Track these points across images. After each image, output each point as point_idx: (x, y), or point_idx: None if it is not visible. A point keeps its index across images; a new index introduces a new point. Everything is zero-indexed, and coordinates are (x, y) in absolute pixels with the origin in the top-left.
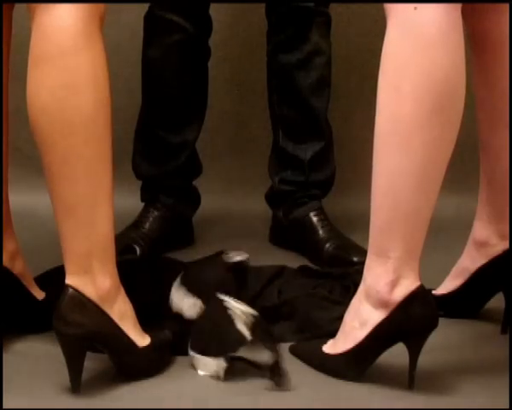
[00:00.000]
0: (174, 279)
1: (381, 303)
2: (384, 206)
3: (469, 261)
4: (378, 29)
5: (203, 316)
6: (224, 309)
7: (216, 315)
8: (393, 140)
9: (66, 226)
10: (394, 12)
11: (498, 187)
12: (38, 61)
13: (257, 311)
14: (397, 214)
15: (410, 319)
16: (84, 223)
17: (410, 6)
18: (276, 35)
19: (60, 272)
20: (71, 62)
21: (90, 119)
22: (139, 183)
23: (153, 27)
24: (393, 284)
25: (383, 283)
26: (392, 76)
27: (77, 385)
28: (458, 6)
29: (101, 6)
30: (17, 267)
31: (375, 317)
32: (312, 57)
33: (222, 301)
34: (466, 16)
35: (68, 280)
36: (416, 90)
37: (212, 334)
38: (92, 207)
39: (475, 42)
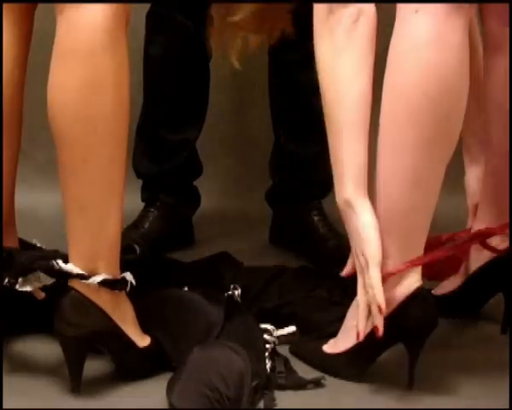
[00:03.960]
0: (174, 279)
1: None
2: (381, 206)
3: (469, 261)
4: (379, 29)
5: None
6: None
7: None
8: (388, 139)
9: (76, 226)
10: (399, 13)
11: (503, 188)
12: (64, 57)
13: (256, 311)
14: (393, 215)
15: (410, 320)
16: (94, 224)
17: (413, 8)
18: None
19: None
20: (98, 60)
21: (111, 118)
22: (139, 183)
23: (154, 25)
24: (393, 284)
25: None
26: (389, 76)
27: (77, 385)
28: (464, 10)
29: (127, 7)
30: None
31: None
32: (314, 56)
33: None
34: (484, 17)
35: (71, 281)
36: (409, 90)
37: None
38: (105, 208)
39: (492, 43)
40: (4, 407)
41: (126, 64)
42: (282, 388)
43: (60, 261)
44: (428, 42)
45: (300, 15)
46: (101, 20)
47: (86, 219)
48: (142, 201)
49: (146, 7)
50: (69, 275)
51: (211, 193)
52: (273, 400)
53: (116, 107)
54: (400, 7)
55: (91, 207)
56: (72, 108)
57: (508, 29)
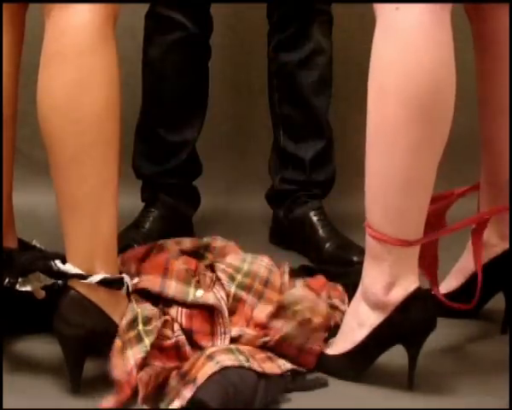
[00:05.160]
0: None
1: (378, 305)
2: (375, 207)
3: (470, 261)
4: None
5: None
6: None
7: None
8: (380, 141)
9: (70, 226)
10: (379, 12)
11: (500, 187)
12: (52, 59)
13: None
14: (387, 216)
15: (408, 322)
16: (89, 222)
17: (393, 6)
18: (278, 34)
19: None
20: (86, 61)
21: (101, 118)
22: (139, 183)
23: (154, 25)
24: (390, 286)
25: (380, 285)
26: (377, 77)
27: (77, 385)
28: (445, 6)
29: (115, 6)
30: None
31: (373, 318)
32: (314, 56)
33: None
34: (471, 15)
35: (70, 281)
36: (399, 91)
37: None
38: (98, 207)
39: (479, 41)
40: (4, 406)
41: (115, 63)
42: (288, 391)
43: (58, 262)
44: (417, 40)
45: (300, 16)
46: (89, 21)
47: (80, 219)
48: (142, 201)
49: (145, 7)
50: (67, 275)
51: (211, 193)
52: (277, 402)
53: (107, 106)
54: (377, 6)
55: (85, 206)
56: (63, 110)
57: (490, 25)
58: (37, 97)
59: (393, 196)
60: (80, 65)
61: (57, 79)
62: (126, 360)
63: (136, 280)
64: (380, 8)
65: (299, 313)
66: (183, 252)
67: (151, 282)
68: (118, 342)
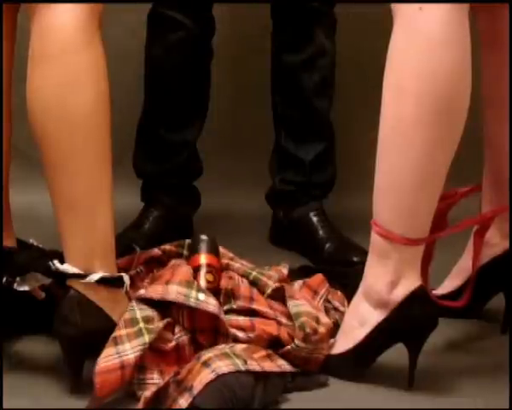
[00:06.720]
0: None
1: (380, 303)
2: (385, 206)
3: (470, 261)
4: (379, 30)
5: None
6: None
7: None
8: (395, 140)
9: (66, 224)
10: (400, 12)
11: (503, 186)
12: (39, 60)
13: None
14: (398, 214)
15: (410, 320)
16: (85, 221)
17: (416, 6)
18: (281, 35)
19: None
20: (71, 60)
21: (90, 116)
22: (139, 183)
23: (156, 25)
24: (394, 284)
25: (383, 283)
26: (396, 76)
27: (77, 385)
28: (465, 6)
29: (99, 5)
30: None
31: (375, 317)
32: (316, 58)
33: None
34: (478, 14)
35: (69, 281)
36: (420, 91)
37: None
38: (93, 205)
39: (486, 40)
40: (4, 407)
41: (102, 61)
42: (288, 391)
43: (56, 262)
44: (441, 41)
45: (303, 17)
46: (73, 21)
47: (76, 218)
48: (142, 201)
49: (146, 7)
50: (66, 275)
51: (211, 193)
52: (277, 402)
53: (96, 104)
54: (398, 6)
55: (80, 205)
56: (50, 110)
57: (499, 25)
58: (26, 99)
59: (406, 195)
60: (65, 64)
61: (44, 81)
62: (123, 352)
63: (142, 292)
64: (401, 9)
65: (305, 324)
66: (166, 254)
67: (153, 290)
68: (114, 335)
